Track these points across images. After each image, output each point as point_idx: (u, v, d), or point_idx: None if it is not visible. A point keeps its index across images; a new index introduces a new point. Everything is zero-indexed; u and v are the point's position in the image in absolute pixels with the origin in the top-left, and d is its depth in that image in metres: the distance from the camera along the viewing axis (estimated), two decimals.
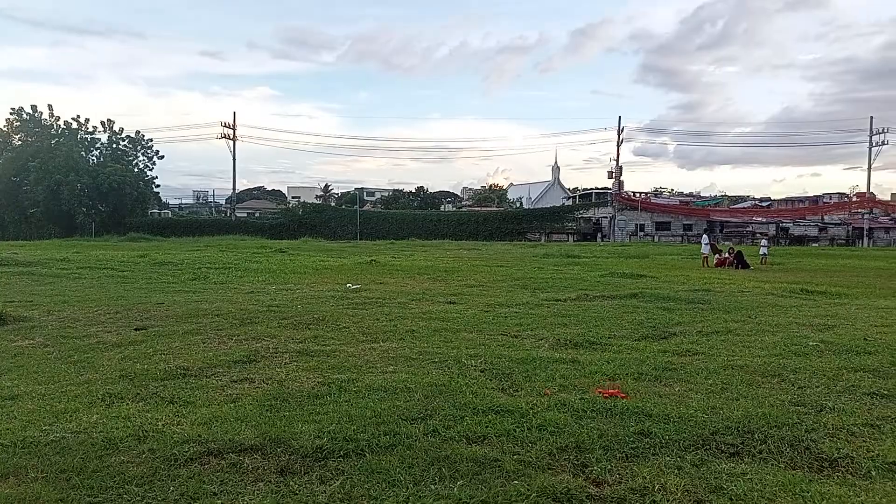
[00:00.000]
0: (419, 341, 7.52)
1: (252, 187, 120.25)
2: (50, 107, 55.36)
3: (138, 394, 5.30)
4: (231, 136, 64.13)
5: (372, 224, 60.64)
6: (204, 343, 7.40)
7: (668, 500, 3.25)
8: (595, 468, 3.67)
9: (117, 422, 4.55)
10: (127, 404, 5.01)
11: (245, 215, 74.72)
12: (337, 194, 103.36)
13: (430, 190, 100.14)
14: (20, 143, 54.24)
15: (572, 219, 64.85)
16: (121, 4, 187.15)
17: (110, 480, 3.56)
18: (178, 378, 5.81)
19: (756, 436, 4.23)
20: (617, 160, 65.56)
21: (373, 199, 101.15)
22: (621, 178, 66.60)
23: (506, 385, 5.52)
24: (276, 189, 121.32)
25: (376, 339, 7.71)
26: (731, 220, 65.09)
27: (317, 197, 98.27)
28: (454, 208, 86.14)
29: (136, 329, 8.33)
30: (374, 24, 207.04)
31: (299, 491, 3.43)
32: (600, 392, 5.17)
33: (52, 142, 53.74)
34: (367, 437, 4.13)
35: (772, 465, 3.77)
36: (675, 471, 3.63)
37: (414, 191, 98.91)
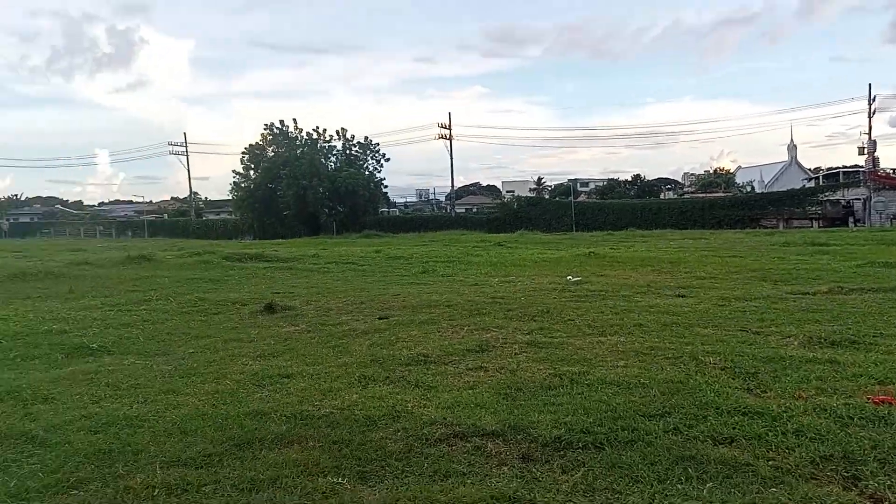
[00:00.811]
0: (648, 336, 7.30)
1: (469, 184, 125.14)
2: (295, 120, 62.46)
3: (388, 377, 5.84)
4: (447, 136, 67.26)
5: (587, 215, 59.73)
6: (439, 332, 7.91)
7: None
8: (870, 483, 3.29)
9: (373, 401, 5.06)
10: (379, 386, 5.55)
11: (463, 211, 77.98)
12: (550, 186, 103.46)
13: (647, 177, 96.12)
14: (273, 154, 61.93)
15: (816, 202, 57.89)
16: (347, 21, 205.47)
17: (373, 453, 3.98)
18: (420, 364, 6.29)
19: None
20: (869, 134, 57.36)
21: (587, 189, 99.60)
22: (875, 154, 58.07)
23: (751, 385, 5.15)
24: (491, 184, 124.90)
25: (603, 332, 7.63)
26: None
27: (530, 190, 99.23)
28: (675, 195, 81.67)
29: (379, 318, 9.15)
30: (580, 13, 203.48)
31: (542, 478, 3.54)
32: (870, 398, 4.61)
33: (298, 151, 60.62)
34: (605, 431, 4.14)
35: None
36: None
37: (630, 179, 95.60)
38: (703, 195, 72.27)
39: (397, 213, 76.52)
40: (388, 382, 5.67)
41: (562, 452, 3.89)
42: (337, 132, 62.67)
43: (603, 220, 57.40)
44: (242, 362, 6.56)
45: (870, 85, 57.25)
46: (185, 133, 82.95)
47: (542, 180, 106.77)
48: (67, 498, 3.47)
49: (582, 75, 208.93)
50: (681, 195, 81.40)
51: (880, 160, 60.16)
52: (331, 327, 8.52)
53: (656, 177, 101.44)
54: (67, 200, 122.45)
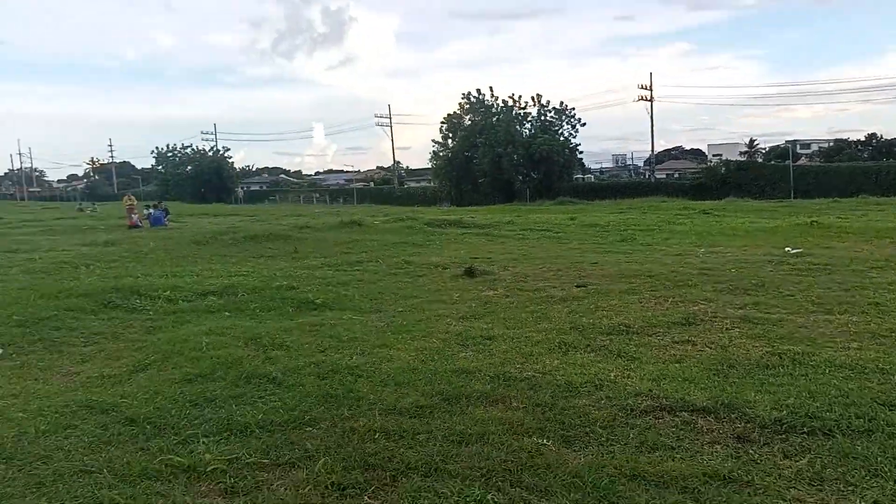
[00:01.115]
0: (889, 317, 6.46)
1: (670, 147, 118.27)
2: (490, 88, 63.11)
3: (588, 345, 5.80)
4: (648, 98, 63.91)
5: (808, 180, 53.68)
6: (640, 303, 7.67)
7: None
8: None
9: (574, 368, 5.07)
10: (580, 354, 5.54)
11: (664, 176, 74.05)
12: (764, 149, 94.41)
13: (884, 137, 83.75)
14: (469, 122, 63.30)
15: None
16: None
17: (577, 419, 4.00)
18: (622, 334, 6.16)
19: None
20: None
21: (808, 151, 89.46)
22: None
23: None
24: (695, 148, 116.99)
25: (830, 310, 6.89)
26: None
27: (740, 154, 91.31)
28: None
29: (577, 286, 9.08)
30: None
31: (760, 461, 3.33)
32: None
33: (493, 119, 61.36)
34: (835, 417, 3.77)
35: None
36: None
37: (863, 139, 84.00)
38: None
39: (592, 180, 74.72)
40: (589, 350, 5.64)
41: (783, 436, 3.62)
42: (532, 98, 62.39)
43: (828, 186, 51.21)
44: (447, 322, 6.90)
45: None
46: (389, 105, 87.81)
47: (755, 142, 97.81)
48: (303, 433, 3.92)
49: (804, 22, 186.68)
50: None
51: None
52: (529, 293, 8.63)
53: None
54: (289, 170, 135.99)
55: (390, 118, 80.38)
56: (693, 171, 74.79)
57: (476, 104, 63.01)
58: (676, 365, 5.04)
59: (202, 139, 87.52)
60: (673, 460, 3.38)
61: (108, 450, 3.71)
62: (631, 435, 3.74)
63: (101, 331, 6.81)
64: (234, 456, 3.56)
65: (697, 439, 3.64)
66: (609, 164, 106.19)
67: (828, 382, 4.41)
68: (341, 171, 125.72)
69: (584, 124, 63.09)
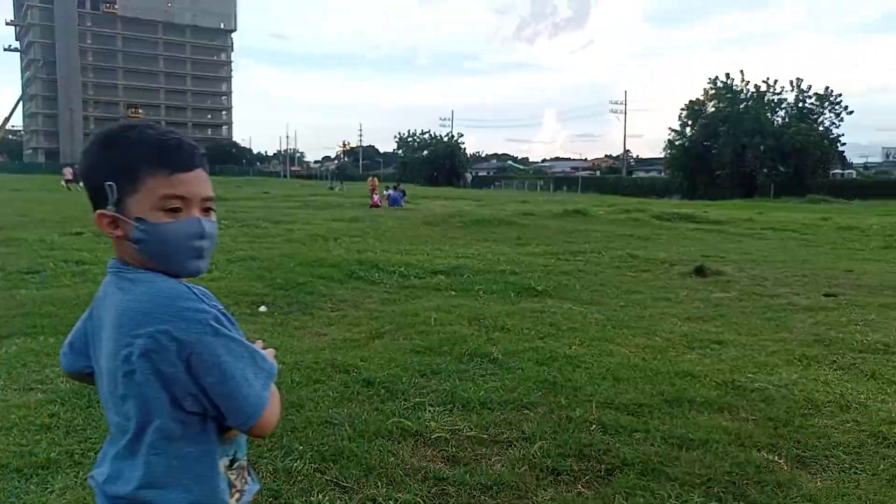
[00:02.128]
0: None
1: None
2: (742, 72, 58.33)
3: (834, 361, 5.22)
4: None
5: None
6: None
7: None
8: None
9: (815, 384, 4.61)
10: (824, 369, 5.01)
11: None
12: None
13: None
14: (713, 109, 59.12)
15: None
16: None
17: (815, 440, 3.65)
18: (878, 353, 5.45)
19: None
20: None
21: None
22: None
23: None
24: None
25: None
26: None
27: None
28: None
29: (825, 295, 8.16)
30: None
31: None
32: None
33: (741, 106, 56.61)
34: None
35: None
36: None
37: None
38: None
39: (854, 176, 65.80)
40: (836, 368, 5.07)
41: None
42: (791, 82, 56.44)
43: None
44: (671, 322, 6.64)
45: None
46: (625, 91, 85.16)
47: None
48: (520, 415, 4.07)
49: None
50: None
51: None
52: (766, 298, 7.95)
53: None
54: (517, 157, 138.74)
55: (625, 104, 78.50)
56: None
57: (723, 90, 58.67)
58: None
59: (440, 125, 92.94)
60: None
61: (349, 406, 4.17)
62: (881, 466, 3.33)
63: (345, 298, 7.63)
64: (455, 427, 3.82)
65: None
66: (877, 159, 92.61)
67: None
68: (568, 159, 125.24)
69: (851, 112, 55.67)
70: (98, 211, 1.27)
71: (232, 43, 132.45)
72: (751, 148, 53.18)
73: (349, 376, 4.73)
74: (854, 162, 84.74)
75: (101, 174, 1.25)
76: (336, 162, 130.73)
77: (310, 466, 3.31)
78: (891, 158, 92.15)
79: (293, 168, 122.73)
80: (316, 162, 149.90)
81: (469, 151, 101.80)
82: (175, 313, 1.18)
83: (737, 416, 4.03)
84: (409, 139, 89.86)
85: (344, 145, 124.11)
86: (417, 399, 4.27)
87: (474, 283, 8.63)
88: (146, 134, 1.26)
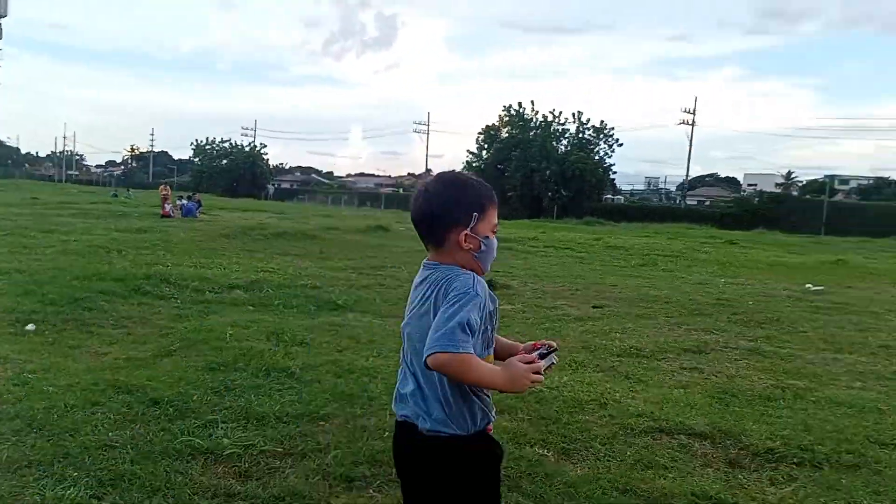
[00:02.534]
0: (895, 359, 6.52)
1: (705, 174, 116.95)
2: (532, 102, 63.28)
3: (598, 365, 5.96)
4: (690, 122, 63.65)
5: (843, 218, 52.84)
6: (655, 328, 7.79)
7: None
8: None
9: (582, 386, 5.23)
10: (589, 372, 5.70)
11: (695, 203, 73.42)
12: (801, 182, 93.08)
13: None
14: (507, 135, 63.58)
15: None
16: (598, 2, 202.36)
17: (578, 434, 4.17)
18: (632, 357, 6.31)
19: None
20: None
21: (846, 188, 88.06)
22: None
23: None
24: (730, 176, 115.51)
25: (840, 349, 6.95)
26: None
27: (776, 185, 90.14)
28: None
29: (593, 307, 9.22)
30: None
31: (748, 486, 3.48)
32: None
33: (531, 134, 61.56)
34: (826, 451, 3.89)
35: None
36: None
37: None
38: None
39: (622, 201, 74.43)
40: (599, 370, 5.79)
41: (773, 465, 3.75)
42: (573, 115, 62.41)
43: (861, 225, 50.36)
44: None
45: None
46: (428, 113, 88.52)
47: (793, 175, 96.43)
48: (316, 427, 4.14)
49: (865, 53, 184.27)
50: None
51: None
52: (546, 310, 8.80)
53: None
54: (322, 171, 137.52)
55: (428, 125, 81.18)
56: (725, 199, 74.06)
57: (515, 117, 63.25)
58: (681, 390, 5.18)
59: (242, 134, 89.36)
60: (665, 479, 3.54)
61: (133, 427, 3.95)
62: (628, 452, 3.90)
63: (130, 315, 7.13)
64: (250, 443, 3.79)
65: (691, 462, 3.79)
66: (641, 187, 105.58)
67: (825, 418, 4.52)
68: (372, 175, 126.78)
69: (622, 145, 63.03)
70: (465, 232, 1.88)
71: (0, 29, 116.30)
72: (538, 172, 58.03)
73: (133, 396, 4.46)
74: (623, 188, 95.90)
75: (462, 205, 1.88)
76: (122, 168, 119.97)
77: (85, 493, 3.11)
78: (652, 187, 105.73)
79: (70, 172, 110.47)
80: (98, 166, 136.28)
81: (272, 163, 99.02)
82: (466, 280, 1.85)
83: (515, 416, 4.46)
84: (208, 147, 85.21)
85: (132, 150, 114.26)
86: (209, 416, 4.16)
87: (274, 298, 8.50)
88: (477, 180, 1.97)
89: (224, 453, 3.63)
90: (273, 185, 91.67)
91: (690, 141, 63.68)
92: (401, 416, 1.92)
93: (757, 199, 62.37)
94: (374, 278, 11.03)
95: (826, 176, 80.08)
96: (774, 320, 8.52)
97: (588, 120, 62.05)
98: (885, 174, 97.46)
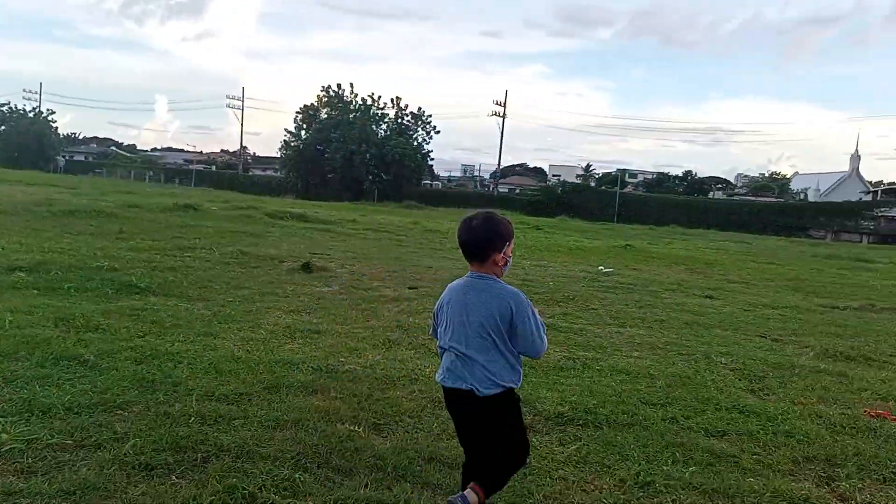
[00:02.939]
0: (667, 331, 7.49)
1: (515, 164, 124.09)
2: (351, 85, 62.89)
3: (410, 343, 6.18)
4: (501, 114, 66.98)
5: (632, 207, 58.97)
6: None
7: None
8: (844, 484, 3.51)
9: (394, 363, 5.41)
10: (402, 350, 5.90)
11: (506, 191, 77.74)
12: (598, 174, 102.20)
13: (698, 175, 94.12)
14: (326, 116, 62.57)
15: (870, 217, 56.10)
16: None
17: (389, 409, 4.32)
18: None
19: None
20: None
21: (635, 181, 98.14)
22: None
23: (756, 387, 5.35)
24: (537, 166, 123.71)
25: (624, 323, 7.84)
26: None
27: (577, 176, 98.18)
28: (725, 196, 79.97)
29: (409, 287, 9.50)
30: None
31: (540, 447, 3.83)
32: (866, 411, 4.77)
33: (351, 116, 61.14)
34: (606, 413, 4.40)
35: None
36: None
37: (681, 175, 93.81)
38: (753, 198, 70.69)
39: (440, 187, 76.73)
40: (411, 348, 6.01)
41: (562, 427, 4.17)
42: (392, 100, 62.89)
43: (647, 214, 56.53)
44: (276, 315, 6.98)
45: None
46: (243, 87, 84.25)
47: (591, 167, 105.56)
48: (113, 416, 3.88)
49: (649, 63, 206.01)
50: (730, 196, 79.65)
51: None
52: (362, 291, 8.90)
53: (708, 175, 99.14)
54: (122, 143, 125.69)
55: (242, 101, 77.29)
56: (533, 188, 79.17)
57: (334, 99, 62.39)
58: None
59: (24, 97, 78.87)
60: None
61: None
62: (435, 424, 4.11)
63: None
64: (34, 437, 3.46)
65: None
66: (458, 173, 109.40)
67: (607, 384, 5.10)
68: (182, 151, 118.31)
69: (439, 132, 64.76)
70: (499, 254, 2.76)
71: None
72: (358, 155, 57.91)
73: None
74: (441, 174, 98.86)
75: (502, 234, 2.74)
76: None
77: None
78: (468, 174, 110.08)
79: None
80: None
81: (64, 132, 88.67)
82: (516, 292, 2.72)
83: (328, 395, 4.51)
84: None
85: None
86: None
87: (63, 281, 7.72)
88: (505, 219, 2.84)
89: (2, 450, 3.28)
90: (64, 156, 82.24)
91: (502, 132, 67.26)
92: (465, 386, 2.72)
93: (560, 188, 67.45)
94: (180, 260, 10.40)
95: (618, 170, 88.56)
96: (571, 299, 9.37)
97: (406, 106, 63.02)
98: (665, 170, 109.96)
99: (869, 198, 65.29)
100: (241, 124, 78.15)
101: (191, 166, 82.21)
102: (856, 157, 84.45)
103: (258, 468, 3.30)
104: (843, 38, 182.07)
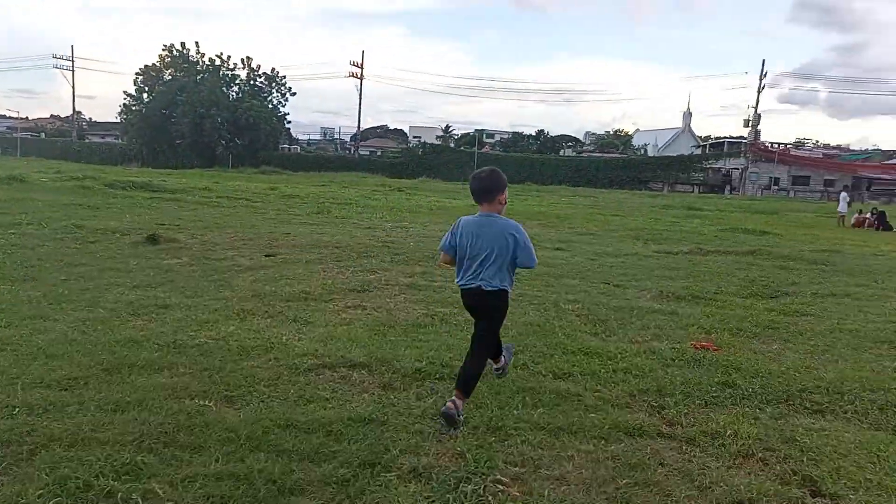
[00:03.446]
0: (521, 284, 7.79)
1: (376, 126, 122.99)
2: (197, 44, 59.23)
3: (266, 311, 5.99)
4: (359, 76, 65.76)
5: (489, 166, 60.56)
6: (324, 272, 8.09)
7: (736, 444, 3.42)
8: (672, 411, 3.87)
9: (249, 333, 5.22)
10: (257, 319, 5.70)
11: (368, 153, 77.00)
12: (457, 135, 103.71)
13: (550, 133, 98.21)
14: (170, 77, 58.39)
15: (700, 169, 61.52)
16: None
17: (243, 380, 4.18)
18: (301, 301, 6.48)
19: (846, 397, 4.23)
20: (755, 107, 61.09)
21: (492, 140, 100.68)
22: (758, 128, 62.13)
23: (599, 330, 5.73)
24: (398, 128, 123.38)
25: None
26: (883, 178, 59.32)
27: (437, 137, 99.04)
28: (574, 153, 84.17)
29: (266, 255, 9.18)
30: None
31: (398, 404, 3.88)
32: (693, 344, 5.27)
33: (198, 77, 57.47)
34: (458, 364, 4.52)
35: (854, 424, 3.81)
36: (752, 420, 3.77)
37: (534, 134, 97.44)
38: (600, 154, 74.99)
39: (299, 151, 74.51)
40: (267, 316, 5.83)
41: (419, 382, 4.25)
42: (242, 60, 59.84)
43: (504, 173, 58.33)
44: (118, 291, 6.49)
45: (763, 61, 61.02)
46: (72, 46, 76.41)
47: (451, 128, 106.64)
48: None
49: (503, 24, 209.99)
50: (580, 153, 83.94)
51: (762, 133, 64.49)
52: (215, 261, 8.50)
53: (560, 133, 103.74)
54: None
55: (73, 61, 70.17)
56: (394, 150, 79.00)
57: (179, 59, 58.29)
58: (345, 327, 5.50)
59: None
60: (325, 409, 3.76)
61: None
62: (292, 391, 4.04)
63: None
64: None
65: (350, 390, 4.09)
66: (317, 137, 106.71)
67: (463, 337, 5.22)
68: (3, 117, 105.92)
69: (295, 94, 62.73)
70: (500, 196, 3.79)
71: None
72: (209, 119, 54.76)
73: None
74: (300, 138, 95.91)
75: (502, 183, 3.81)
76: None
77: None
78: (328, 137, 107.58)
79: None
80: None
81: None
82: (516, 225, 3.75)
83: (176, 372, 4.27)
84: None
85: None
86: None
87: None
88: (500, 171, 3.93)
89: None
90: None
91: (360, 94, 66.15)
92: (475, 284, 3.75)
93: (421, 150, 67.82)
94: (4, 238, 9.37)
95: (476, 130, 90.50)
96: (430, 258, 9.49)
97: (259, 66, 60.23)
98: (520, 129, 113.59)
99: (699, 151, 71.44)
100: (73, 87, 71.25)
101: (15, 134, 73.86)
102: (688, 115, 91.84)
103: (95, 455, 3.07)
104: (679, 2, 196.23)
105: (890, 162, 68.40)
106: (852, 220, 23.14)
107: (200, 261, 8.52)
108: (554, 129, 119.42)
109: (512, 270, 3.82)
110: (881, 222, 22.02)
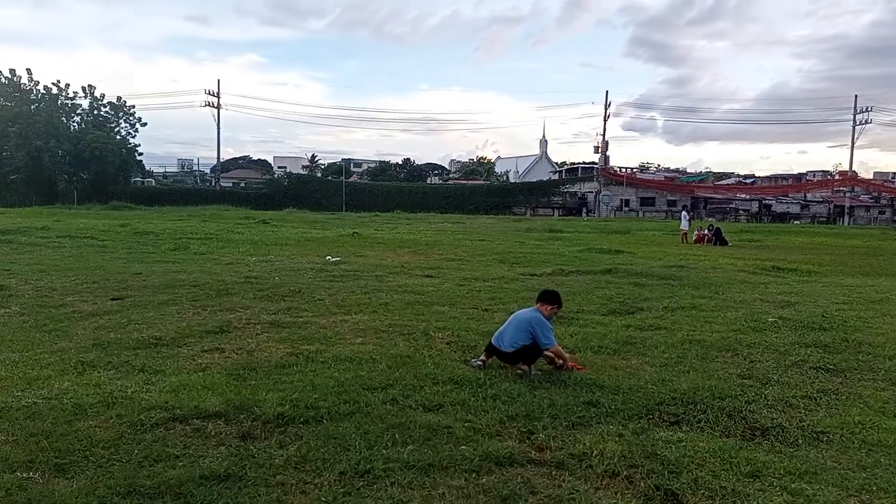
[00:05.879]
0: (391, 314, 7.69)
1: (238, 156, 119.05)
2: (29, 71, 54.27)
3: (110, 362, 5.44)
4: (216, 105, 63.37)
5: (358, 196, 60.34)
6: (179, 313, 7.53)
7: (604, 465, 3.46)
8: (540, 435, 3.88)
9: (88, 388, 4.69)
10: (98, 372, 5.15)
11: (230, 185, 74.14)
12: (324, 165, 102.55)
13: (417, 162, 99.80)
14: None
15: (558, 193, 64.97)
16: None
17: (77, 444, 3.71)
18: (151, 347, 5.95)
19: (698, 406, 4.46)
20: (603, 135, 65.56)
21: (360, 170, 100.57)
22: (607, 153, 66.67)
23: (469, 357, 5.71)
24: (262, 159, 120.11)
25: (349, 311, 7.86)
26: (715, 197, 65.46)
27: (303, 167, 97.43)
28: (441, 181, 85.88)
29: (112, 299, 8.43)
30: None
31: (258, 454, 3.60)
32: (572, 366, 5.36)
33: (32, 107, 52.81)
34: (328, 406, 4.31)
35: (707, 433, 4.01)
36: (616, 438, 3.85)
37: (401, 162, 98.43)
38: (466, 182, 77.06)
39: (154, 184, 70.34)
40: (110, 368, 5.28)
41: (282, 428, 3.97)
42: (83, 88, 55.70)
43: (372, 202, 58.36)
44: None
45: (606, 92, 65.40)
46: None
47: (317, 158, 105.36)
48: None
49: (363, 55, 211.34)
50: (446, 181, 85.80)
51: (611, 158, 69.30)
52: (51, 309, 7.67)
53: (426, 162, 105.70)
54: None
55: None
56: (258, 181, 76.70)
57: (9, 87, 53.24)
58: (200, 374, 5.09)
59: None
60: (174, 469, 3.40)
61: None
62: (136, 451, 3.63)
63: None
64: None
65: (203, 444, 3.74)
66: (175, 169, 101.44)
67: (330, 375, 5.01)
68: None
69: (146, 124, 59.25)
70: (551, 307, 5.62)
71: None
72: (47, 152, 50.37)
73: None
74: (155, 171, 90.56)
75: (556, 301, 5.72)
76: None
77: None
78: (185, 169, 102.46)
79: None
80: None
81: None
82: (541, 320, 5.44)
83: None
84: None
85: None
86: None
87: None
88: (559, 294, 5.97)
89: None
90: None
91: (218, 123, 63.72)
92: (496, 343, 5.42)
93: (286, 180, 66.35)
94: None
95: (343, 159, 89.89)
96: (297, 292, 9.15)
97: (103, 95, 56.40)
98: (387, 158, 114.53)
99: (556, 177, 75.44)
100: None
101: None
102: (544, 142, 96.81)
103: None
104: (527, 37, 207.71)
105: (721, 183, 75.81)
106: (693, 237, 25.17)
107: (33, 309, 7.66)
108: (420, 158, 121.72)
109: (536, 339, 5.30)
110: (718, 238, 24.11)
